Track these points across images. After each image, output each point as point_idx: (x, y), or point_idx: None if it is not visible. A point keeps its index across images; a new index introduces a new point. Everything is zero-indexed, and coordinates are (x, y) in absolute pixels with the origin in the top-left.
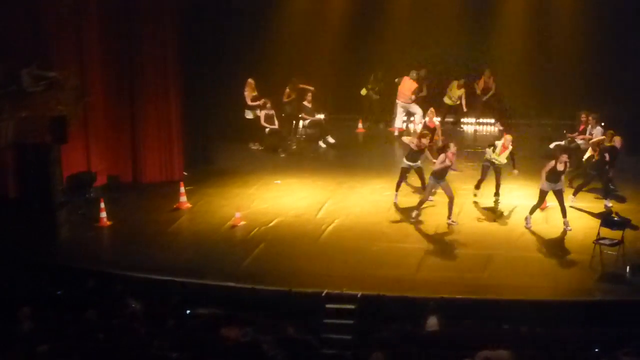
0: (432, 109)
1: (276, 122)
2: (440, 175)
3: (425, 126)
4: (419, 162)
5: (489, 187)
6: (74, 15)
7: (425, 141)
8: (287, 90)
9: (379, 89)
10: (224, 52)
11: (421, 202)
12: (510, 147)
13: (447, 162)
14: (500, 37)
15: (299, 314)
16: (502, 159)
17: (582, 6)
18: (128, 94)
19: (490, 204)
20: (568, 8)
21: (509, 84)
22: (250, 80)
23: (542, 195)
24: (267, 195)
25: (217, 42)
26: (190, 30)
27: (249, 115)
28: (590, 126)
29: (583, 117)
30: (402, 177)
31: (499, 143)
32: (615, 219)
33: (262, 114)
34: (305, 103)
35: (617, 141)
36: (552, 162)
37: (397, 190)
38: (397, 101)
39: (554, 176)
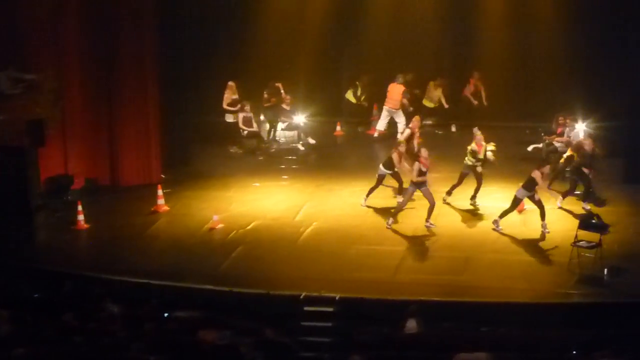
0: (417, 117)
1: (254, 125)
2: (419, 184)
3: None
4: (396, 168)
5: (467, 189)
6: (52, 18)
7: (403, 148)
8: (265, 94)
9: (366, 97)
10: (203, 55)
11: (398, 209)
12: (485, 144)
13: (423, 169)
14: (480, 39)
15: (277, 317)
16: (483, 155)
17: (562, 12)
18: (106, 97)
19: (469, 206)
20: (548, 13)
21: (489, 86)
22: (231, 83)
23: (517, 202)
24: (246, 198)
25: (195, 45)
26: (169, 33)
27: (229, 118)
28: (568, 128)
29: (561, 119)
30: (378, 184)
31: (473, 145)
32: (594, 221)
33: (240, 116)
34: (284, 106)
35: (586, 144)
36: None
37: (368, 195)
38: (384, 106)
39: (530, 184)
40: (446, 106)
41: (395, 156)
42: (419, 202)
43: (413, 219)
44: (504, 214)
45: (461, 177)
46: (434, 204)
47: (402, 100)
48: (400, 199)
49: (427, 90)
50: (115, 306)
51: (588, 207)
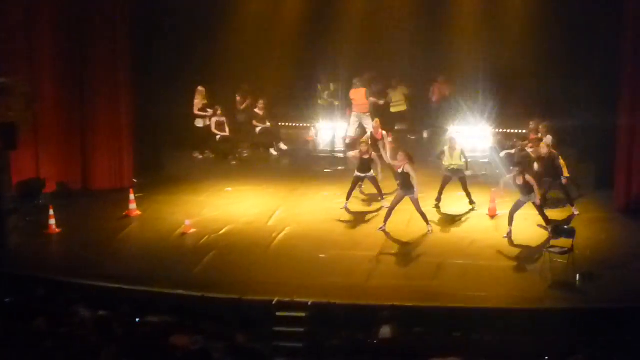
0: (377, 120)
1: (227, 129)
2: (403, 186)
3: (371, 137)
4: (372, 171)
5: (448, 195)
6: (24, 22)
7: (364, 148)
8: (239, 97)
9: (334, 102)
10: (175, 60)
11: (388, 215)
12: (458, 147)
13: (398, 163)
14: (454, 46)
15: (249, 322)
16: (456, 160)
17: (536, 20)
18: (78, 101)
19: (444, 211)
20: (521, 21)
21: (462, 92)
22: (200, 88)
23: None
24: (218, 202)
25: (168, 50)
26: (142, 38)
27: (199, 123)
28: (540, 134)
29: (532, 125)
30: (353, 186)
31: (445, 148)
32: (565, 227)
33: (212, 121)
34: (256, 110)
35: (543, 150)
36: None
37: (347, 199)
38: (352, 112)
39: (527, 190)
40: (405, 108)
41: (355, 154)
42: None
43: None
44: (510, 222)
45: (444, 180)
46: (422, 213)
47: (370, 100)
48: (386, 203)
49: (389, 95)
50: (86, 311)
51: (577, 211)
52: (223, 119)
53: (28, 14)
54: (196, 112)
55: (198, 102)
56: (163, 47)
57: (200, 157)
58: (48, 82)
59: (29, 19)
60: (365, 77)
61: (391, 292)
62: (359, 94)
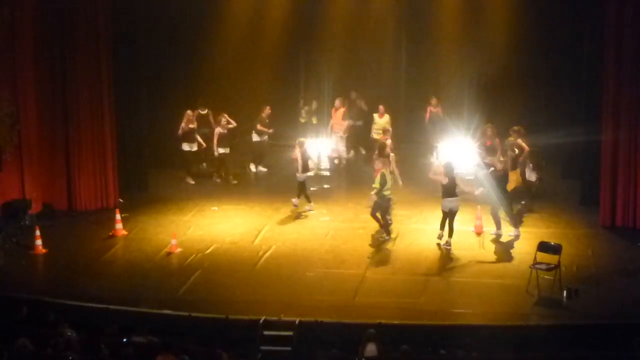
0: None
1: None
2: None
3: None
4: (310, 172)
5: (425, 213)
6: (6, 42)
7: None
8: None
9: (314, 119)
10: (160, 79)
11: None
12: (382, 170)
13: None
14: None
15: (236, 341)
16: (377, 184)
17: (520, 36)
18: (63, 121)
19: (428, 229)
20: (505, 37)
21: (447, 109)
22: (188, 112)
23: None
24: (203, 222)
25: (152, 69)
26: (125, 56)
27: (185, 147)
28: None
29: (489, 131)
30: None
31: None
32: (552, 244)
33: (216, 131)
34: (220, 129)
35: (497, 164)
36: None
37: (298, 197)
38: (334, 132)
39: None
40: (389, 129)
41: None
42: (377, 226)
43: (372, 242)
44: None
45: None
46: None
47: (347, 121)
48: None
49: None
50: (72, 331)
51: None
52: (226, 130)
53: (9, 34)
54: (180, 133)
55: (184, 125)
56: (146, 66)
57: (193, 182)
58: (32, 102)
59: (11, 38)
60: (353, 96)
61: (378, 310)
62: (338, 115)
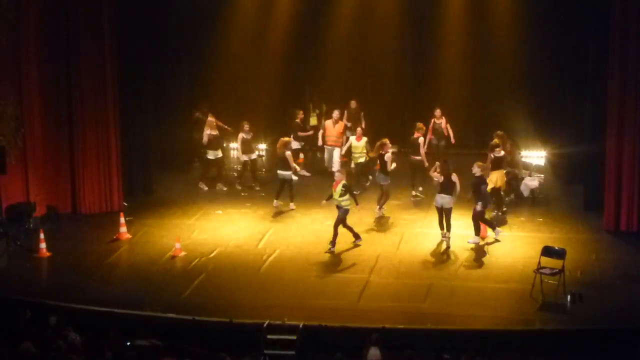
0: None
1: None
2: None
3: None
4: (290, 172)
5: (429, 218)
6: (11, 46)
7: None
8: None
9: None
10: (164, 81)
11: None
12: (343, 181)
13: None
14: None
15: (240, 345)
16: (337, 195)
17: (525, 44)
18: (67, 125)
19: (432, 234)
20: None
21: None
22: (210, 119)
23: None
24: (208, 225)
25: (156, 72)
26: (130, 60)
27: (210, 155)
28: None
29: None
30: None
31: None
32: (556, 248)
33: (239, 137)
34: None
35: (475, 170)
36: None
37: (277, 197)
38: (326, 146)
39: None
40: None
41: (288, 155)
42: (381, 230)
43: (375, 246)
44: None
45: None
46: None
47: (342, 137)
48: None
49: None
50: (76, 335)
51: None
52: (249, 136)
53: (15, 38)
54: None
55: (207, 133)
56: (151, 69)
57: (206, 188)
58: (36, 106)
59: (16, 42)
60: (353, 106)
61: (381, 314)
62: (335, 127)
